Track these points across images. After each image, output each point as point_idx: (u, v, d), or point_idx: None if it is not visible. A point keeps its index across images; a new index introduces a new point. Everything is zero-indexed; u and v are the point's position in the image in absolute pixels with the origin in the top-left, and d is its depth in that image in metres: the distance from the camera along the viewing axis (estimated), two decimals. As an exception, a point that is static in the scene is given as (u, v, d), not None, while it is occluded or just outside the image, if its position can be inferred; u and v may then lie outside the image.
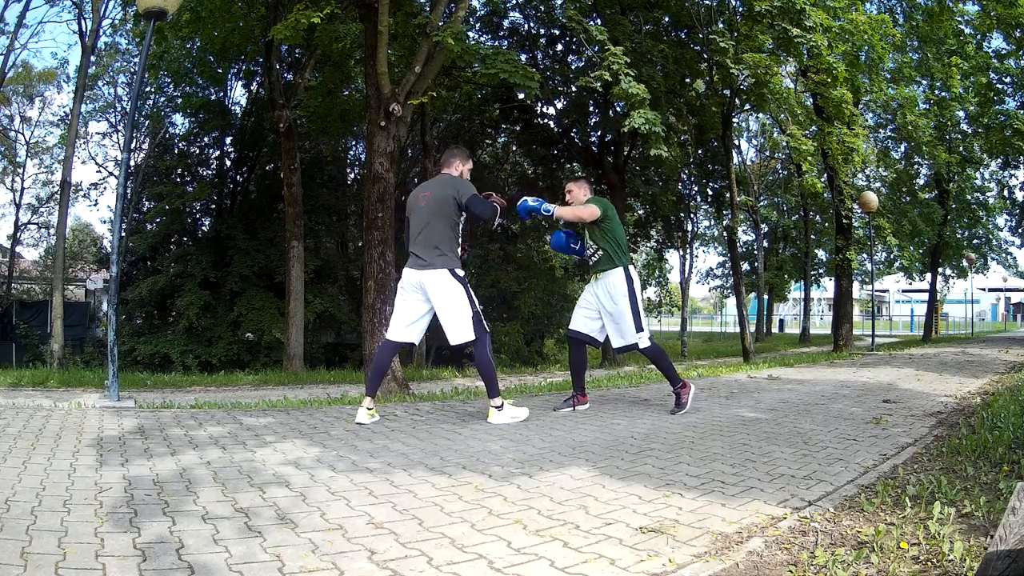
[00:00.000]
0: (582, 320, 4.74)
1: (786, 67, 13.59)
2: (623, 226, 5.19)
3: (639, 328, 4.52)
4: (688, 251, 24.63)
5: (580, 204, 4.65)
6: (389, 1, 6.95)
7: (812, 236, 26.96)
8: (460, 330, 4.14)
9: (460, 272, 4.21)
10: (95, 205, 36.70)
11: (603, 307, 4.62)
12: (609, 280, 4.57)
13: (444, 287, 4.14)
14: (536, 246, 19.97)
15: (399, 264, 5.21)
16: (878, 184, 18.87)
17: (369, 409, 4.21)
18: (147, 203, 18.77)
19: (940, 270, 22.59)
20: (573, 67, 14.96)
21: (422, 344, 14.70)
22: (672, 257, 33.28)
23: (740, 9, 11.69)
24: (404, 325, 4.29)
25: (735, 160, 17.54)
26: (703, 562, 1.95)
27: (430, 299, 4.19)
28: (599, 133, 16.33)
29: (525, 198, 4.57)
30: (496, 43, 14.81)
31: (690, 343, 23.67)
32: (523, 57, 14.05)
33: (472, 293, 4.23)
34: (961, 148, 18.31)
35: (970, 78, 15.91)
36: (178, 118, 19.47)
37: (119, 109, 21.15)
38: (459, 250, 4.26)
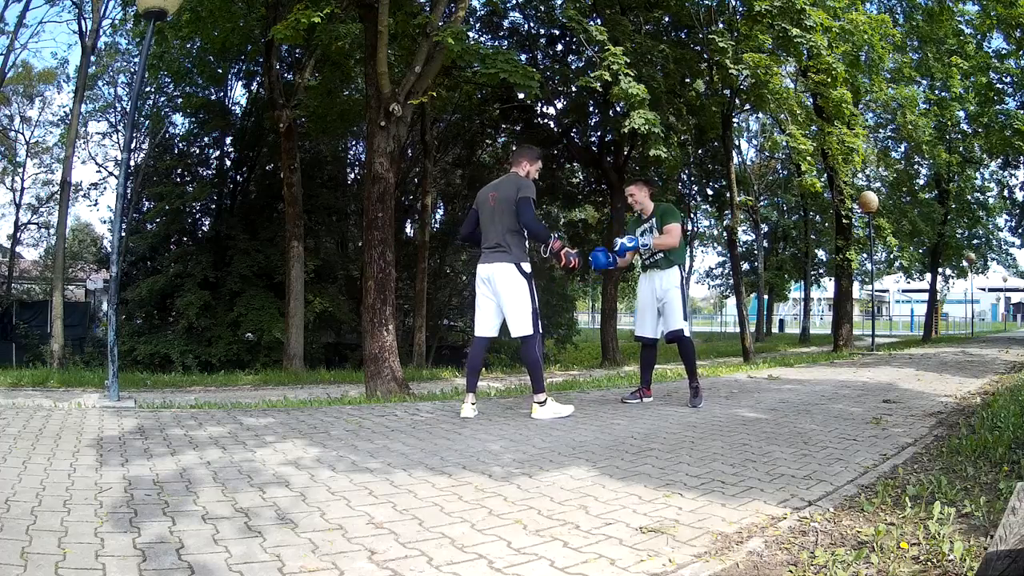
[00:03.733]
0: (651, 323, 5.13)
1: (786, 67, 13.58)
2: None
3: (685, 317, 4.99)
4: (688, 251, 24.64)
5: (647, 209, 5.12)
6: (389, 1, 6.95)
7: (812, 236, 26.97)
8: (520, 323, 4.42)
9: (527, 267, 4.48)
10: (95, 205, 36.55)
11: (658, 299, 5.03)
12: (666, 275, 5.04)
13: (509, 280, 4.42)
14: (533, 245, 19.94)
15: (399, 264, 5.32)
16: (878, 184, 18.89)
17: (472, 404, 4.49)
18: (147, 203, 18.73)
19: (940, 270, 22.57)
20: (573, 67, 14.93)
21: (422, 344, 14.70)
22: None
23: (740, 9, 11.68)
24: (485, 321, 4.55)
25: (735, 160, 17.52)
26: (703, 562, 1.95)
27: (496, 292, 4.44)
28: (599, 133, 16.31)
29: (622, 240, 4.95)
30: (496, 43, 14.79)
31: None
32: (523, 57, 14.03)
33: (535, 290, 4.51)
34: (961, 148, 18.32)
35: (970, 78, 15.93)
36: (178, 118, 19.44)
37: (119, 109, 21.15)
38: (526, 243, 4.55)
